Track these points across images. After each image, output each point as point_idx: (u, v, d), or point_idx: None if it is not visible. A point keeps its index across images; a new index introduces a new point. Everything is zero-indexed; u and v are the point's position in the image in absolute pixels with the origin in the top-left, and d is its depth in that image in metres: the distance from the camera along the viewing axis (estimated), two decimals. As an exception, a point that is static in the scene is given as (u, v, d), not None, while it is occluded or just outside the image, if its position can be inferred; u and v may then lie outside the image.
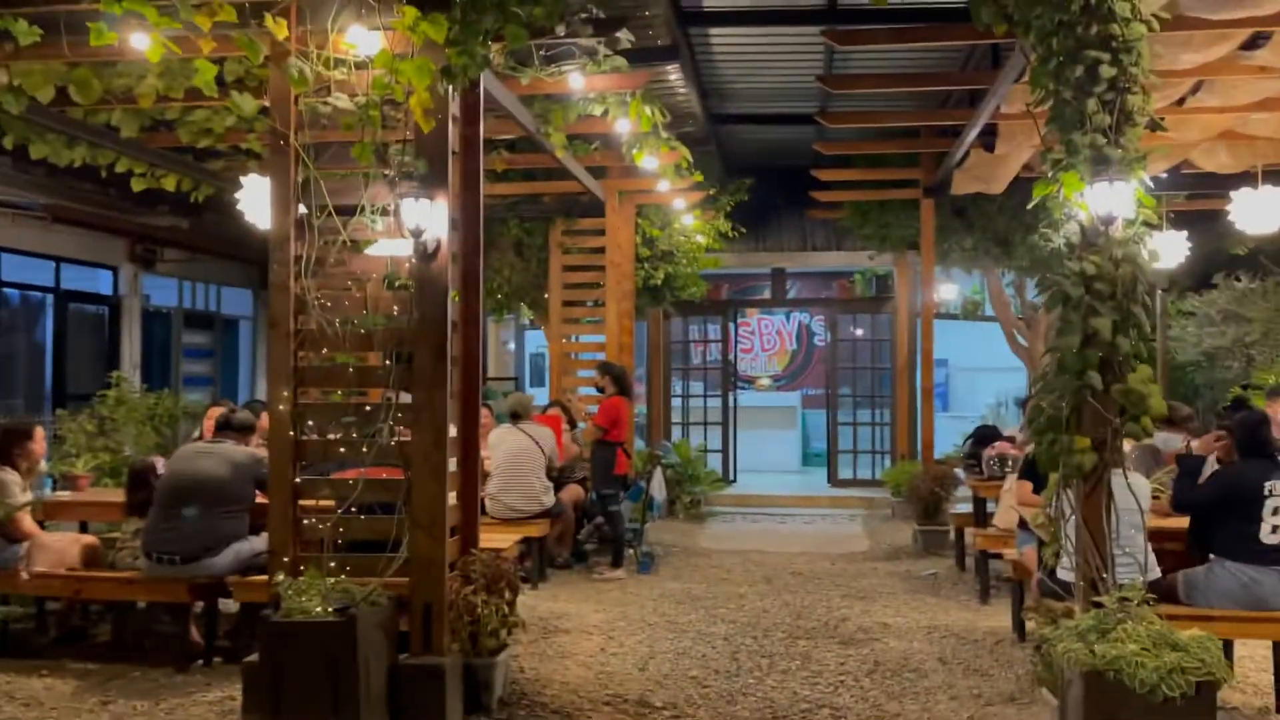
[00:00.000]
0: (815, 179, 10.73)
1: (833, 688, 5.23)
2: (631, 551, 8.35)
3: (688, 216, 10.77)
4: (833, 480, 13.38)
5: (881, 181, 10.78)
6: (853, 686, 5.25)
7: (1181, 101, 7.02)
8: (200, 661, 5.47)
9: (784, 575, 8.12)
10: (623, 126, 7.27)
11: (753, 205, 12.03)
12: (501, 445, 7.75)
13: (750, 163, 12.48)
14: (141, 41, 4.46)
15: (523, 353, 18.06)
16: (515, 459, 7.68)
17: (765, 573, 8.21)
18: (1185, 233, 8.53)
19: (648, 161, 7.92)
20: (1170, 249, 8.40)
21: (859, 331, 14.01)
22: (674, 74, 8.28)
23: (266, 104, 5.00)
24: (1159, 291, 11.11)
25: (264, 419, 6.71)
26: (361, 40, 4.51)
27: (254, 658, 4.36)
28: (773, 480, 13.92)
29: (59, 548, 5.77)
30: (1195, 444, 5.67)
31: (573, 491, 8.48)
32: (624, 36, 5.56)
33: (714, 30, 8.44)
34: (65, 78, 5.79)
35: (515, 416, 7.97)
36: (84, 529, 6.56)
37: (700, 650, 5.87)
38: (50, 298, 10.77)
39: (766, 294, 15.68)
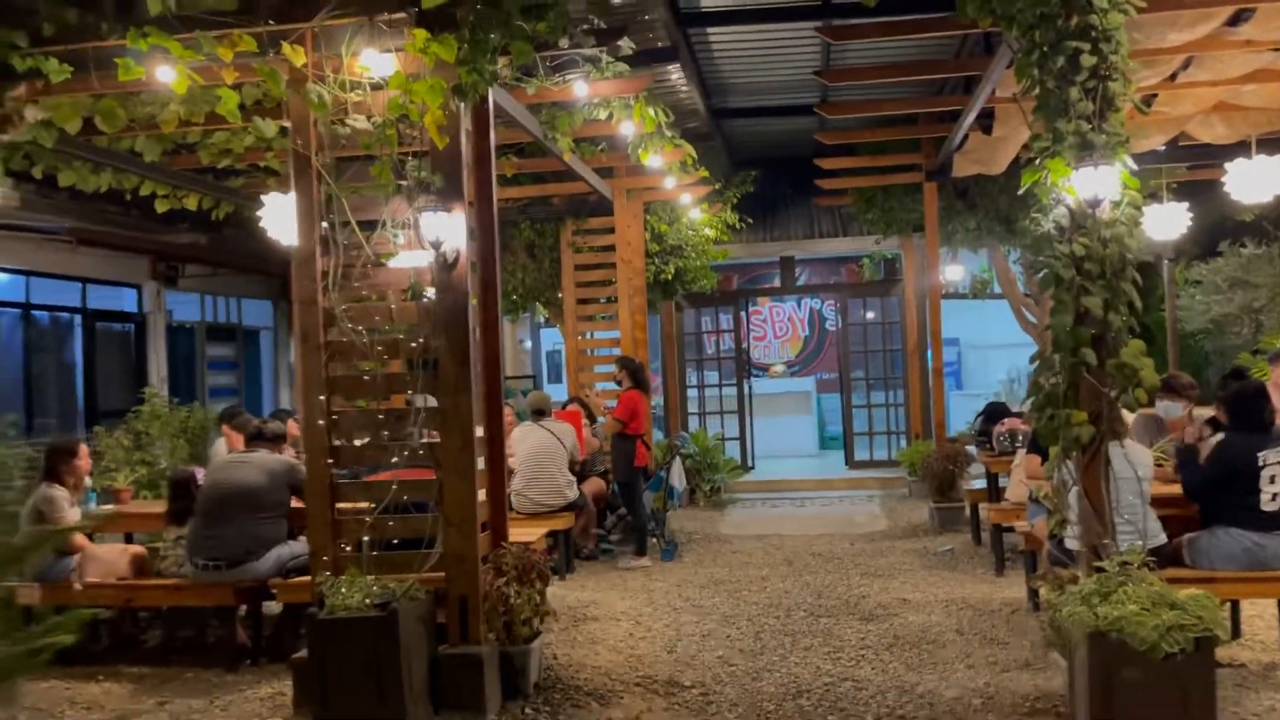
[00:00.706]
0: (819, 168, 10.89)
1: (854, 662, 5.43)
2: (654, 540, 8.56)
3: (695, 211, 10.93)
4: (850, 462, 13.54)
5: (884, 167, 10.92)
6: (873, 660, 5.44)
7: (1174, 77, 7.15)
8: (248, 661, 5.71)
9: (804, 557, 8.31)
10: (627, 128, 7.44)
11: (759, 196, 12.19)
12: (525, 442, 7.95)
13: (755, 154, 12.65)
14: (167, 74, 4.67)
15: (539, 350, 18.27)
16: (538, 455, 7.88)
17: (786, 555, 8.40)
18: (1186, 204, 8.69)
19: (653, 160, 8.09)
20: (1172, 220, 8.58)
21: (869, 315, 14.15)
22: (675, 73, 8.48)
23: (287, 125, 5.20)
24: (1165, 261, 11.24)
25: (292, 426, 6.98)
26: (375, 63, 4.72)
27: (302, 654, 4.61)
28: (791, 465, 14.10)
29: (109, 559, 6.02)
30: (1188, 429, 5.80)
31: (595, 484, 8.70)
32: (625, 44, 5.75)
33: (712, 29, 8.61)
34: (91, 108, 5.98)
35: (538, 414, 8.18)
36: (129, 540, 6.82)
37: (725, 631, 6.08)
38: (78, 318, 11.06)
39: (776, 282, 15.81)
